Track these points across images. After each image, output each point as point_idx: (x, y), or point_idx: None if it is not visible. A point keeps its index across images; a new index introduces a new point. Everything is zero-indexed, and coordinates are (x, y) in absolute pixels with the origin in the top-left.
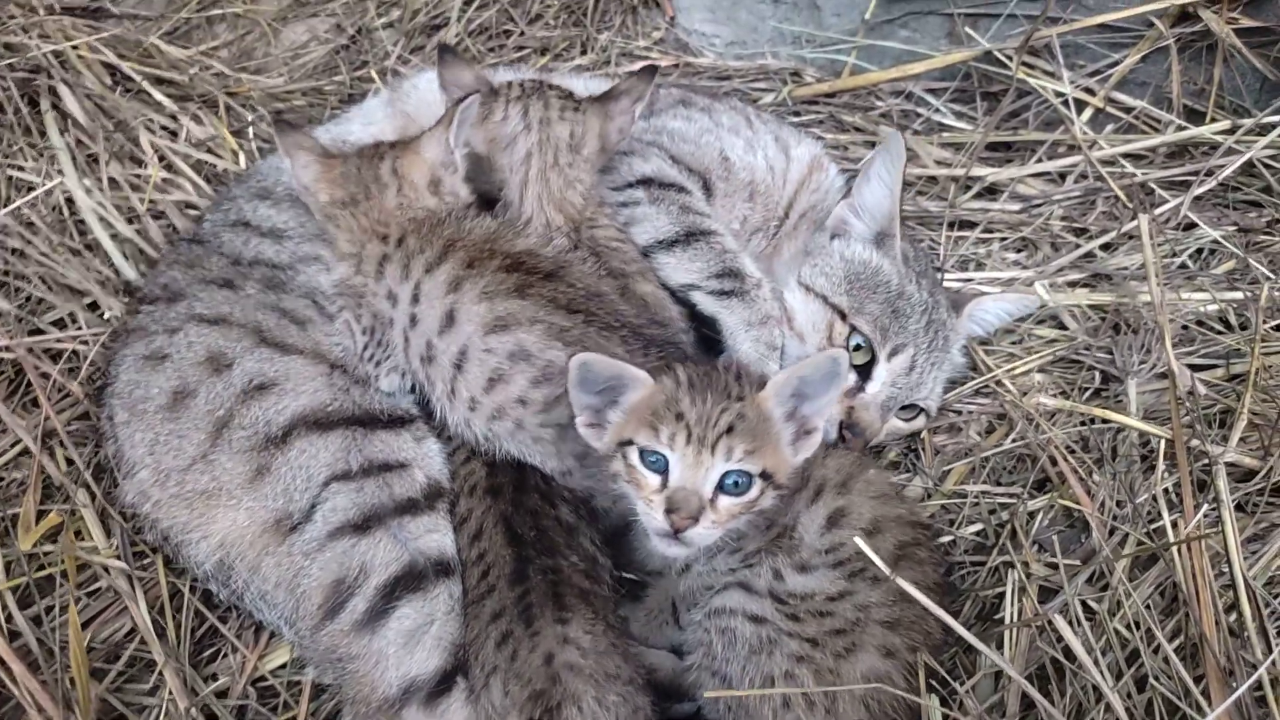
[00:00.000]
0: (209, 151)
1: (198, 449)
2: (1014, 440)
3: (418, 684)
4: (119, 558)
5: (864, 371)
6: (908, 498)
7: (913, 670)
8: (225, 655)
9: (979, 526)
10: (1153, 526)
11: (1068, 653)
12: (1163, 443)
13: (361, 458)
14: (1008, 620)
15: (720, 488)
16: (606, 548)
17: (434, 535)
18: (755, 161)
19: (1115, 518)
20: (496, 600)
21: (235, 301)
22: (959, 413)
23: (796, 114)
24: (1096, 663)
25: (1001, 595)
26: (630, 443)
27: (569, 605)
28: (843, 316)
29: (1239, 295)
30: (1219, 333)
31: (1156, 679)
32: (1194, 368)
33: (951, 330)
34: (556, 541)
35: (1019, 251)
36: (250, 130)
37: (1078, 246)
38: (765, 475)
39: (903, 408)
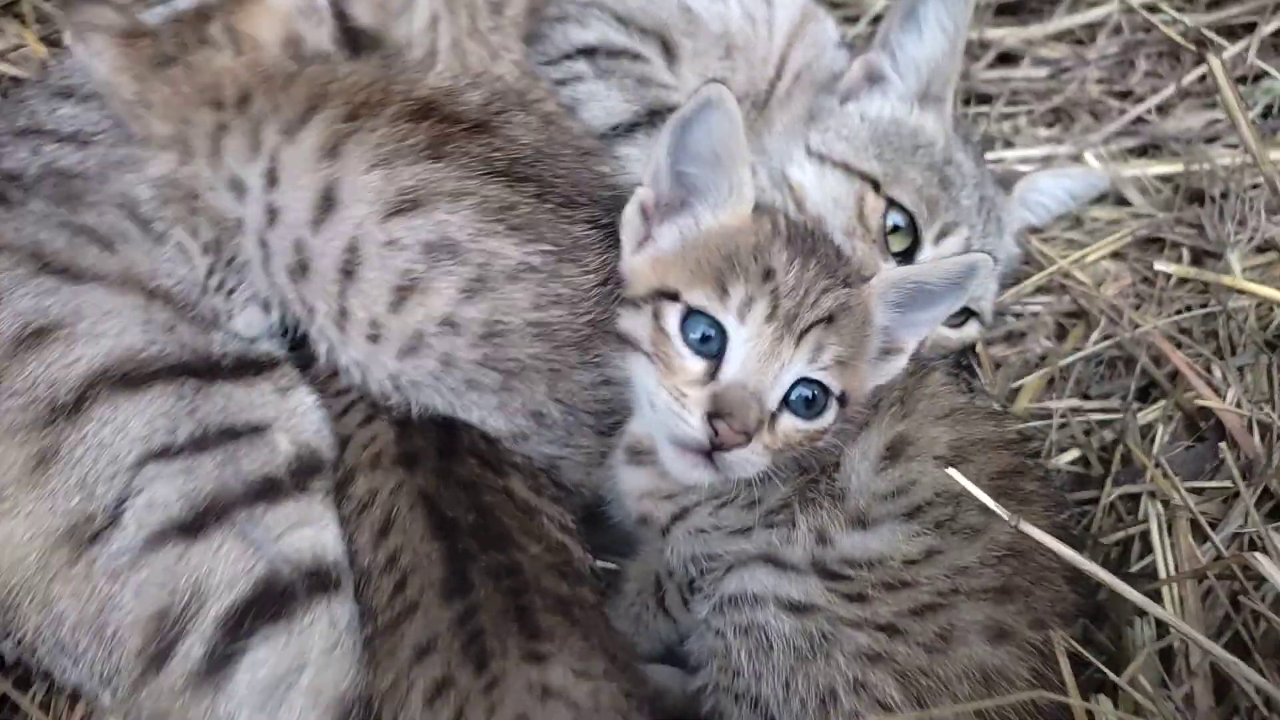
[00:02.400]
0: (10, 64)
1: None
2: (1098, 341)
3: None
4: None
5: (905, 259)
6: (994, 409)
7: (1042, 655)
8: None
9: (1075, 453)
10: None
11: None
12: None
13: (194, 423)
14: (1163, 570)
15: (786, 401)
16: (581, 530)
17: (305, 531)
18: (727, 9)
19: (1259, 424)
20: (422, 625)
21: (5, 220)
22: (1018, 315)
23: None
24: None
25: (1127, 542)
26: (673, 297)
27: (543, 627)
28: (876, 187)
29: None
30: None
31: None
32: None
33: (1004, 211)
34: (508, 526)
35: (1051, 125)
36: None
37: (1123, 112)
38: (843, 400)
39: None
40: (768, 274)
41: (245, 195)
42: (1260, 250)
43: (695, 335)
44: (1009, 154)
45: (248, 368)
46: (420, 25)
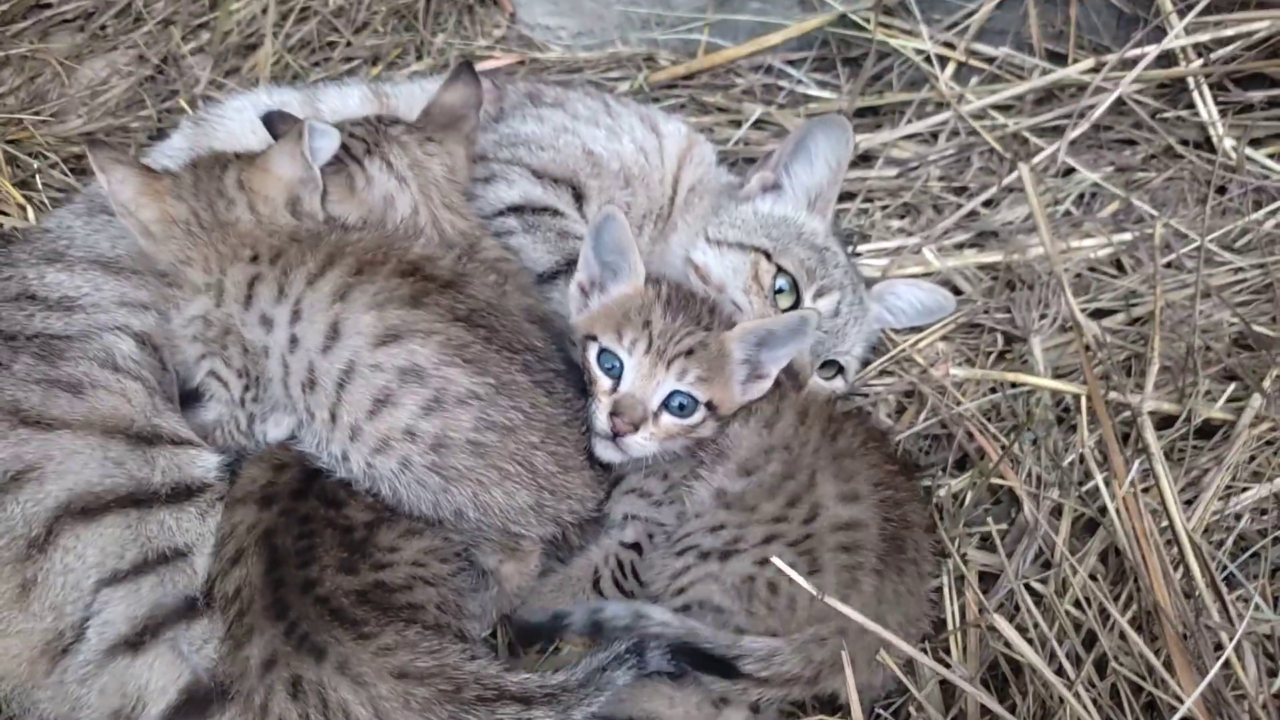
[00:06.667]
0: None
1: None
2: (926, 418)
3: None
4: None
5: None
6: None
7: None
8: None
9: None
10: (1084, 489)
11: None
12: (1083, 399)
13: (137, 550)
14: (950, 622)
15: (666, 405)
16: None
17: (213, 643)
18: (622, 148)
19: (1043, 484)
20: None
21: None
22: (866, 395)
23: (656, 99)
24: (1054, 657)
25: (940, 590)
26: (594, 339)
27: (358, 618)
28: (768, 256)
29: (1128, 236)
30: (1113, 277)
31: (1117, 660)
32: (1094, 315)
33: (867, 294)
34: (318, 552)
35: (901, 218)
36: (38, 179)
37: (959, 207)
38: (711, 405)
39: (823, 365)
40: (647, 324)
41: (273, 328)
42: (1064, 329)
43: (608, 365)
44: (865, 247)
45: (181, 494)
46: (404, 212)
